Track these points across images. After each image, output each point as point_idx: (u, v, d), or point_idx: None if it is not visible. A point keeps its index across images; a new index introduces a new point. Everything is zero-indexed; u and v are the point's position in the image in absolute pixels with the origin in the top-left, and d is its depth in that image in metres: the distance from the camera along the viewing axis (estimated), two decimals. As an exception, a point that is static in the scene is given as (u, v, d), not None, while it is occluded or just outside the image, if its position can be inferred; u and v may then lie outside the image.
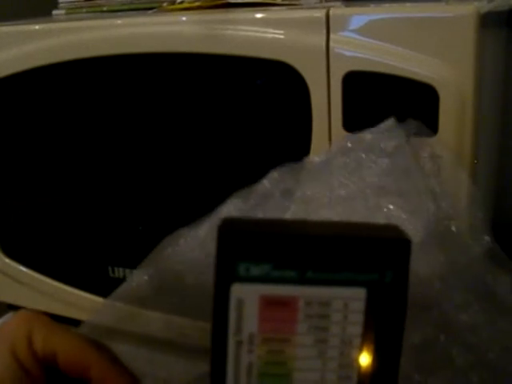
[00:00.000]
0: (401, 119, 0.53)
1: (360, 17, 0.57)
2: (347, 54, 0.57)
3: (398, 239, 0.34)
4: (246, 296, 0.34)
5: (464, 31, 0.52)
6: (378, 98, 0.56)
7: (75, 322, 0.55)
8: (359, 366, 0.35)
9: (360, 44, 0.57)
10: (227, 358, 0.35)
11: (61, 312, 0.60)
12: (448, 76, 0.53)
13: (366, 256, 0.34)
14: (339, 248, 0.34)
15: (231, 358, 0.35)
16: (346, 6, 0.59)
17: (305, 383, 0.35)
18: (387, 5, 0.58)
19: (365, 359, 0.35)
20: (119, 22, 0.70)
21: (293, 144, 0.61)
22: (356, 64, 0.57)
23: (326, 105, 0.58)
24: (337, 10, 0.58)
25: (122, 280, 0.54)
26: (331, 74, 0.58)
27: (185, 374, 0.57)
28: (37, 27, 0.74)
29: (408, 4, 0.57)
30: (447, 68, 0.53)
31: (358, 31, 0.56)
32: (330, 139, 0.58)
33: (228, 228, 0.33)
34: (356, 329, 0.34)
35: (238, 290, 0.34)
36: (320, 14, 0.58)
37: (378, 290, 0.34)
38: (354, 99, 0.57)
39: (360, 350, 0.35)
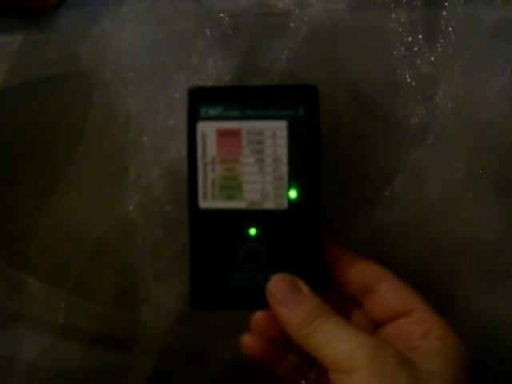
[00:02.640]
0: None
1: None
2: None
3: (307, 85, 0.49)
4: (207, 130, 0.49)
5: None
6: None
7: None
8: (288, 178, 0.50)
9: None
10: (198, 176, 0.50)
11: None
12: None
13: (285, 97, 0.49)
14: (267, 92, 0.49)
15: (201, 175, 0.50)
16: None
17: (250, 192, 0.50)
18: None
19: (291, 172, 0.50)
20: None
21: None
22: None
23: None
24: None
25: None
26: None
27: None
28: None
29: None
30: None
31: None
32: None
33: (193, 87, 0.51)
34: (283, 150, 0.49)
35: (201, 127, 0.50)
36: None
37: (295, 121, 0.49)
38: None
39: (288, 167, 0.49)
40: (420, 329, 0.46)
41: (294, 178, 0.49)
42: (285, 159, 0.49)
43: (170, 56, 0.58)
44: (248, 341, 0.51)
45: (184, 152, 0.57)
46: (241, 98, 0.49)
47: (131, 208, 0.60)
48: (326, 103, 0.51)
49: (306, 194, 0.49)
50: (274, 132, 0.49)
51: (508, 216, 0.58)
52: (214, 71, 0.57)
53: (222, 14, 0.58)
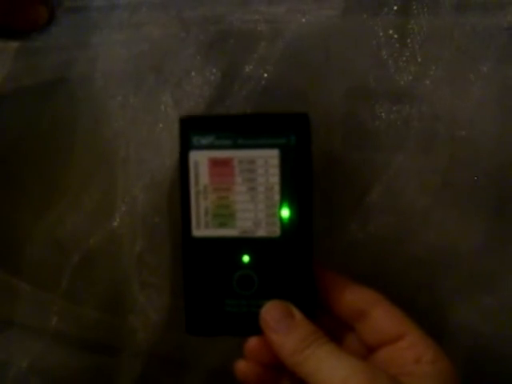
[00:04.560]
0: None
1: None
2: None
3: (298, 113, 0.49)
4: (199, 159, 0.50)
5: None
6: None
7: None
8: (280, 206, 0.50)
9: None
10: (190, 205, 0.50)
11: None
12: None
13: (276, 126, 0.49)
14: (258, 121, 0.50)
15: (193, 204, 0.50)
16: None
17: (244, 220, 0.50)
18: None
19: (283, 200, 0.50)
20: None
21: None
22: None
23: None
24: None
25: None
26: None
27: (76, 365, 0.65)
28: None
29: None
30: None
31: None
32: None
33: (185, 116, 0.51)
34: (275, 178, 0.49)
35: (193, 156, 0.50)
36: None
37: (286, 149, 0.49)
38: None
39: (280, 194, 0.50)
40: (412, 353, 0.47)
41: (286, 206, 0.50)
42: (277, 187, 0.50)
43: (155, 68, 0.59)
44: (242, 367, 0.51)
45: (168, 164, 0.58)
46: (232, 127, 0.50)
47: (118, 219, 0.60)
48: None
49: (298, 221, 0.50)
50: (266, 160, 0.49)
51: (484, 228, 0.58)
52: (199, 82, 0.58)
53: (208, 21, 0.58)
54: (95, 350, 0.65)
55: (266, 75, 0.57)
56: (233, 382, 0.53)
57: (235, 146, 0.50)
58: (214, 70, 0.58)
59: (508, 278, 0.59)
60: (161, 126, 0.58)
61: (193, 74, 0.58)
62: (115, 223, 0.61)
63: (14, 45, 0.59)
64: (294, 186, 0.50)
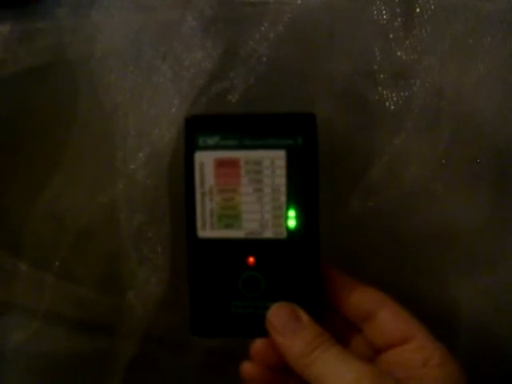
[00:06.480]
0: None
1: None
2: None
3: (305, 113, 0.49)
4: (205, 160, 0.49)
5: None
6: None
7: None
8: (287, 208, 0.49)
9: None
10: (196, 206, 0.50)
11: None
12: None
13: (283, 126, 0.49)
14: (265, 121, 0.49)
15: (199, 205, 0.50)
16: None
17: (250, 221, 0.49)
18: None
19: (290, 202, 0.49)
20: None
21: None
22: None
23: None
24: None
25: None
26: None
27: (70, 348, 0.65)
28: None
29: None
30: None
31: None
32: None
33: (191, 116, 0.50)
34: (281, 180, 0.49)
35: (199, 156, 0.49)
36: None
37: (293, 150, 0.49)
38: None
39: (286, 196, 0.49)
40: (420, 356, 0.46)
41: (293, 207, 0.49)
42: (283, 188, 0.49)
43: (155, 44, 0.58)
44: (248, 369, 0.51)
45: (167, 137, 0.57)
46: (239, 127, 0.49)
47: (116, 194, 0.59)
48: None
49: (305, 222, 0.49)
50: (273, 161, 0.49)
51: (485, 205, 0.58)
52: (199, 56, 0.57)
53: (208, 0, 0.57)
54: (92, 328, 0.65)
55: (268, 51, 0.56)
56: (231, 361, 0.53)
57: (241, 147, 0.49)
58: (216, 45, 0.57)
59: (509, 256, 0.59)
60: (160, 99, 0.58)
61: (194, 48, 0.57)
62: (114, 197, 0.60)
63: (11, 23, 0.59)
64: (300, 187, 0.49)
